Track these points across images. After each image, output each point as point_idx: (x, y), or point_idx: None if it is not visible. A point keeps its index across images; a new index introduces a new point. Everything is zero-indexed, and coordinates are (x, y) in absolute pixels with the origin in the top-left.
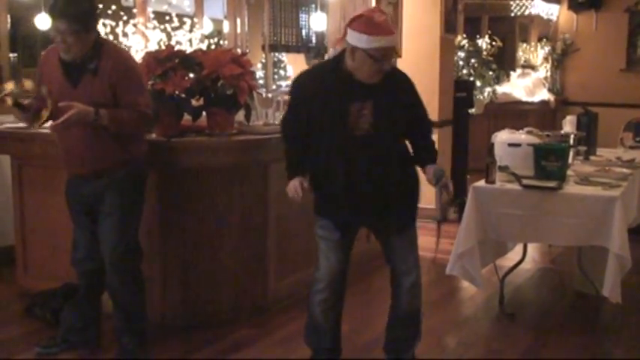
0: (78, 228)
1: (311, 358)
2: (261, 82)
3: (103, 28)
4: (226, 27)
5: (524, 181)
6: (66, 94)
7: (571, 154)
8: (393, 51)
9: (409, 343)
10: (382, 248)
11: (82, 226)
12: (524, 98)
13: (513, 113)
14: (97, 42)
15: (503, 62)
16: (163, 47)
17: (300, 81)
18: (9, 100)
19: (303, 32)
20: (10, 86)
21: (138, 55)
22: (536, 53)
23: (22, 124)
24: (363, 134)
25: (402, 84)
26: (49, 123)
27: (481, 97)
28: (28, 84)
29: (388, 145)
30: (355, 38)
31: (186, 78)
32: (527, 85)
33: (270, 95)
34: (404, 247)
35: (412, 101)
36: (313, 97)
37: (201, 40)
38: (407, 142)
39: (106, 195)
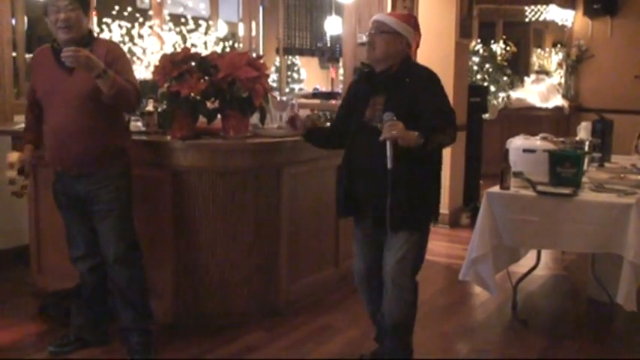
0: (73, 225)
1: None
2: (274, 85)
3: (118, 29)
4: (241, 30)
5: (539, 188)
6: (60, 83)
7: (586, 160)
8: (378, 25)
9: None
10: None
11: (78, 222)
12: (539, 104)
13: (527, 119)
14: (89, 31)
15: (518, 68)
16: (179, 49)
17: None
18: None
19: (318, 36)
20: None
21: (153, 57)
22: (550, 59)
23: None
24: (376, 127)
25: (419, 80)
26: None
27: (495, 103)
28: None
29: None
30: None
31: (202, 80)
32: (541, 90)
33: (284, 98)
34: (389, 249)
35: (423, 97)
36: (352, 94)
37: (216, 43)
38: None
39: (101, 192)
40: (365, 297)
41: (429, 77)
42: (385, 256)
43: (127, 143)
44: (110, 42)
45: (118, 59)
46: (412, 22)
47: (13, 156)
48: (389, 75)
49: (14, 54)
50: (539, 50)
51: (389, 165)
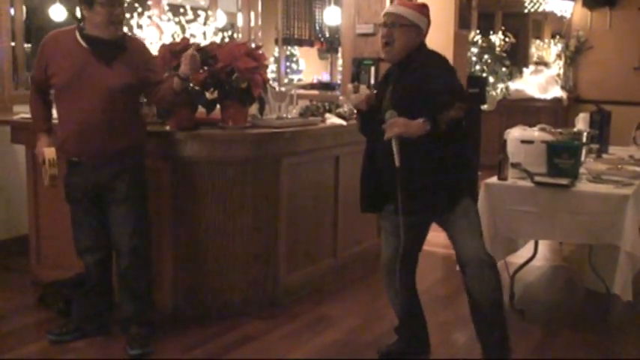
0: (84, 218)
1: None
2: (273, 75)
3: None
4: (240, 20)
5: (537, 178)
6: (92, 72)
7: (583, 151)
8: (396, 18)
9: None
10: None
11: (89, 214)
12: (537, 95)
13: (525, 110)
14: None
15: (517, 59)
16: (178, 40)
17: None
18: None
19: (317, 26)
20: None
21: (152, 47)
22: (549, 50)
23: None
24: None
25: (426, 64)
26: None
27: (494, 94)
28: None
29: None
30: None
31: (201, 71)
32: (540, 82)
33: (283, 89)
34: (457, 230)
35: (430, 79)
36: (378, 88)
37: (215, 33)
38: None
39: (118, 181)
40: (391, 287)
41: (434, 60)
42: (458, 244)
43: (145, 139)
44: (137, 39)
45: (152, 58)
46: (426, 11)
47: (51, 152)
48: (398, 64)
49: (13, 44)
50: (538, 41)
51: (396, 163)
